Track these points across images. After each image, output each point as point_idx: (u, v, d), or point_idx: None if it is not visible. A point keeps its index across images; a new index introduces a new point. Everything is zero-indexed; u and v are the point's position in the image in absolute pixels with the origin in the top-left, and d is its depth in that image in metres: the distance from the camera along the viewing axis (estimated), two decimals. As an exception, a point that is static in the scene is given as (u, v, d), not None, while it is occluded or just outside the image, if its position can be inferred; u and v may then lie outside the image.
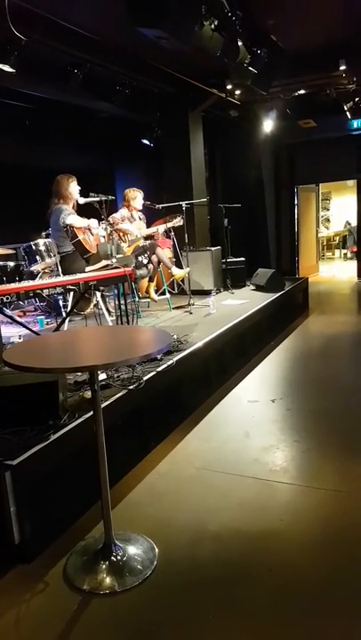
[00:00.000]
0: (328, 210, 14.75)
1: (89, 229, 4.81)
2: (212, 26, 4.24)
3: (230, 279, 6.75)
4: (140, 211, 5.83)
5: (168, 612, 1.87)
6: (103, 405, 2.65)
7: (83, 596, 1.95)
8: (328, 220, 14.71)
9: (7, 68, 4.44)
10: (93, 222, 4.79)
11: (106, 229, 4.68)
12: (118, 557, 2.09)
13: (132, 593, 1.95)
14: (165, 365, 3.42)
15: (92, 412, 2.39)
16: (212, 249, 6.61)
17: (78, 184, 4.83)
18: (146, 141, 7.90)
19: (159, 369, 3.35)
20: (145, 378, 3.15)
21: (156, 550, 2.17)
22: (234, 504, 2.51)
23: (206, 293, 6.12)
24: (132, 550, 2.15)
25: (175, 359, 3.54)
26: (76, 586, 1.99)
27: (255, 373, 4.54)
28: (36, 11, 4.09)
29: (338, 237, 14.25)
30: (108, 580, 2.02)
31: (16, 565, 2.13)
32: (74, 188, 4.73)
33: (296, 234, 10.07)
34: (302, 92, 7.25)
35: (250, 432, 3.31)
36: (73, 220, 4.66)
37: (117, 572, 2.05)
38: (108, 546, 2.11)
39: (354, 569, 2.02)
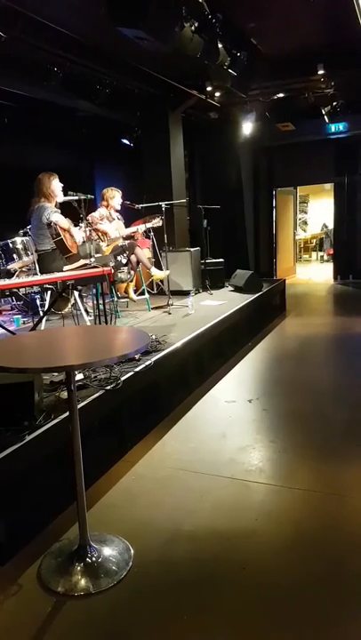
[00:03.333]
0: (306, 213, 14.95)
1: (69, 232, 4.77)
2: (193, 28, 4.26)
3: (209, 280, 6.78)
4: (118, 211, 5.81)
5: (143, 613, 1.87)
6: (80, 406, 2.63)
7: (57, 598, 1.93)
8: (306, 223, 14.90)
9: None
10: (76, 232, 4.76)
11: (85, 229, 4.65)
12: (93, 559, 2.08)
13: (107, 594, 1.95)
14: (143, 366, 3.42)
15: (68, 413, 2.37)
16: (192, 250, 6.64)
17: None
18: (126, 141, 7.88)
19: (137, 369, 3.35)
20: (122, 378, 3.15)
21: (132, 551, 2.16)
22: (209, 504, 2.53)
23: (185, 294, 6.14)
24: (108, 551, 2.14)
25: (153, 359, 3.54)
26: (50, 588, 1.98)
27: (233, 374, 4.57)
28: (16, 8, 4.04)
29: (315, 240, 14.46)
30: (82, 581, 2.01)
31: (-11, 568, 2.11)
32: (56, 185, 4.69)
33: (274, 236, 10.17)
34: (281, 95, 7.34)
35: (227, 432, 3.33)
36: (58, 217, 4.62)
37: (92, 573, 2.04)
38: (83, 547, 2.10)
39: (325, 568, 2.05)
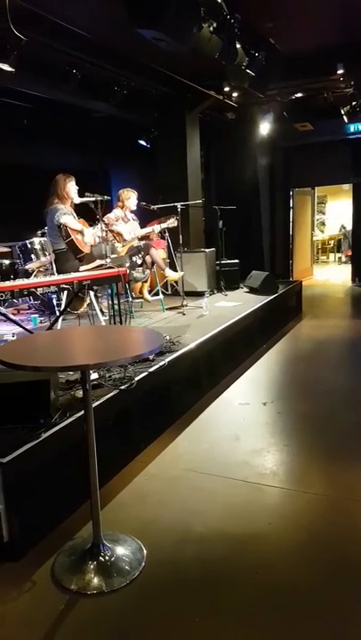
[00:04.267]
0: (324, 213, 14.82)
1: (81, 234, 4.81)
2: (211, 28, 4.26)
3: (224, 281, 6.77)
4: (133, 211, 5.84)
5: (155, 613, 1.87)
6: (94, 405, 2.65)
7: (70, 596, 1.95)
8: (323, 224, 14.77)
9: (7, 68, 4.44)
10: (88, 231, 4.80)
11: (101, 230, 4.68)
12: (106, 558, 2.10)
13: (119, 594, 1.96)
14: (157, 366, 3.43)
15: (83, 412, 2.39)
16: (207, 250, 6.63)
17: (76, 183, 4.83)
18: (143, 142, 7.91)
19: (151, 369, 3.36)
20: (136, 378, 3.16)
21: (145, 551, 2.17)
22: (222, 506, 2.52)
23: (200, 295, 6.13)
24: (121, 551, 2.16)
25: (167, 360, 3.55)
26: (63, 585, 2.00)
27: (247, 376, 4.55)
28: (36, 11, 4.09)
29: (333, 241, 14.32)
30: (95, 580, 2.02)
31: (4, 563, 2.14)
32: (71, 187, 4.73)
33: (291, 237, 10.10)
34: (299, 95, 7.29)
35: (240, 435, 3.32)
36: (67, 219, 4.66)
37: (105, 572, 2.05)
38: (97, 546, 2.11)
39: (338, 573, 2.03)
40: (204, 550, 2.20)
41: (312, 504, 2.52)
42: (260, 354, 5.17)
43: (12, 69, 4.47)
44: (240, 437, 3.28)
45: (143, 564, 2.10)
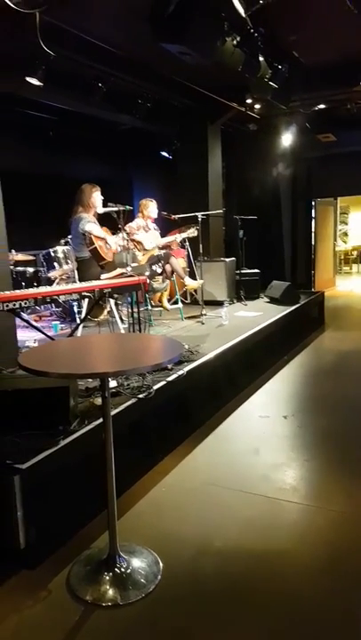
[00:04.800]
0: (346, 224, 14.69)
1: (105, 241, 4.88)
2: (234, 42, 4.28)
3: (244, 291, 6.74)
4: (155, 221, 5.89)
5: (170, 629, 1.84)
6: (112, 413, 2.65)
7: (85, 607, 1.93)
8: (346, 235, 14.64)
9: (35, 82, 4.54)
10: (111, 239, 4.87)
11: (123, 239, 4.73)
12: (122, 569, 2.08)
13: (134, 607, 1.93)
14: (176, 375, 3.41)
15: (101, 420, 2.39)
16: (226, 260, 6.62)
17: (99, 193, 4.91)
18: (165, 153, 7.98)
19: (169, 379, 3.35)
20: (155, 387, 3.15)
21: (161, 564, 2.15)
22: (240, 521, 2.48)
23: (219, 304, 6.11)
24: (137, 563, 2.13)
25: (186, 369, 3.53)
26: (78, 596, 1.98)
27: (267, 388, 4.50)
28: (65, 27, 4.18)
29: (356, 252, 14.17)
30: (110, 592, 2.00)
31: (20, 571, 2.13)
32: (97, 197, 4.81)
33: (313, 247, 10.03)
34: (322, 106, 7.27)
35: (260, 448, 3.28)
36: (92, 227, 4.74)
37: (121, 584, 2.03)
38: (113, 557, 2.10)
39: (357, 594, 1.97)
40: (222, 565, 2.16)
41: (333, 521, 2.46)
42: (280, 365, 5.11)
43: (41, 83, 4.57)
44: (260, 451, 3.24)
45: (159, 577, 2.07)
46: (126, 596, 1.97)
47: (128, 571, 2.08)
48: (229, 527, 2.42)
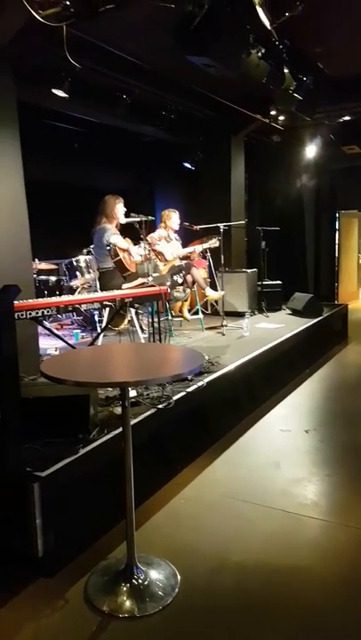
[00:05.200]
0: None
1: (128, 252, 4.92)
2: (259, 54, 4.29)
3: (266, 302, 6.69)
4: (177, 231, 5.92)
5: (187, 642, 1.81)
6: (132, 423, 2.64)
7: (101, 618, 1.92)
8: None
9: (61, 94, 4.63)
10: (133, 250, 4.92)
11: (144, 249, 4.76)
12: (140, 581, 2.06)
13: (151, 619, 1.91)
14: (195, 386, 3.40)
15: (120, 429, 2.39)
16: (248, 271, 6.59)
17: (120, 204, 4.96)
18: (187, 165, 8.02)
19: (189, 389, 3.33)
20: (174, 398, 3.14)
21: (179, 577, 2.12)
22: (260, 535, 2.44)
23: (240, 315, 6.08)
24: (154, 575, 2.11)
25: (206, 380, 3.51)
26: (95, 606, 1.97)
27: (289, 401, 4.44)
28: (91, 40, 4.26)
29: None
30: (128, 603, 1.98)
31: (38, 579, 2.13)
32: (120, 209, 4.87)
33: (336, 259, 9.92)
34: (347, 118, 7.23)
35: (280, 462, 3.22)
36: (117, 239, 4.80)
37: (138, 595, 2.01)
38: (130, 568, 2.08)
39: (385, 614, 1.91)
40: (241, 580, 2.12)
41: (353, 537, 2.40)
42: (302, 379, 5.04)
43: (66, 95, 4.66)
44: (280, 465, 3.19)
45: (177, 590, 2.05)
46: (143, 607, 1.95)
47: (146, 582, 2.06)
48: (248, 541, 2.38)
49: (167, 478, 2.98)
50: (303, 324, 5.75)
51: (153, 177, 8.99)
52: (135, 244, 5.09)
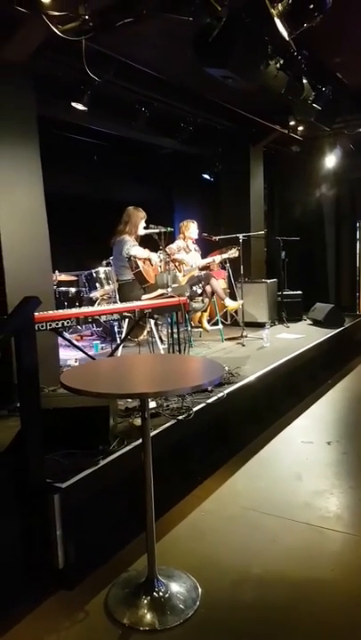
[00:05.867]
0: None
1: (149, 260, 4.95)
2: (278, 65, 4.31)
3: (286, 312, 6.63)
4: (196, 242, 5.93)
5: (209, 658, 1.78)
6: (152, 434, 2.63)
7: (122, 631, 1.90)
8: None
9: (80, 107, 4.72)
10: (153, 256, 4.95)
11: (163, 259, 4.78)
12: (160, 594, 2.04)
13: (172, 633, 1.88)
14: (216, 397, 3.38)
15: (140, 440, 2.38)
16: (268, 281, 6.56)
17: (139, 215, 5.01)
18: (206, 176, 8.07)
19: (209, 401, 3.31)
20: (194, 409, 3.12)
21: (200, 590, 2.09)
22: (281, 549, 2.40)
23: (260, 326, 6.04)
24: (175, 588, 2.08)
25: (226, 392, 3.49)
26: (116, 618, 1.95)
27: (310, 413, 4.37)
28: (109, 53, 4.33)
29: None
30: (148, 616, 1.96)
31: (58, 591, 2.12)
32: (141, 222, 4.92)
33: (358, 269, 9.79)
34: (366, 127, 7.18)
35: (302, 474, 3.17)
36: (137, 251, 4.85)
37: (159, 608, 1.99)
38: (151, 580, 2.06)
39: None
40: (263, 593, 2.08)
41: (381, 554, 2.33)
42: (324, 390, 4.97)
43: (86, 108, 4.74)
44: (302, 477, 3.13)
45: (198, 603, 2.02)
46: (164, 621, 1.93)
47: (167, 595, 2.03)
48: (270, 554, 2.34)
49: (187, 490, 2.96)
50: (324, 334, 5.68)
51: (172, 188, 9.06)
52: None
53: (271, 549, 2.39)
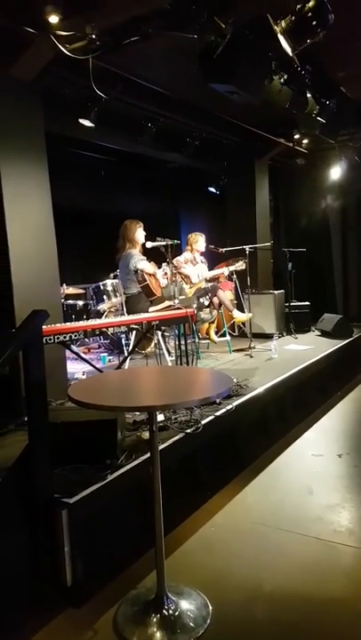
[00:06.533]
0: None
1: (154, 275, 4.98)
2: (282, 80, 4.34)
3: (294, 324, 6.61)
4: (202, 254, 5.96)
5: None
6: (160, 448, 2.61)
7: (131, 650, 1.86)
8: None
9: (87, 123, 4.78)
10: (158, 272, 4.97)
11: (170, 271, 4.80)
12: (170, 611, 2.00)
13: (182, 652, 1.84)
14: (224, 410, 3.35)
15: (148, 454, 2.36)
16: (275, 292, 6.55)
17: (146, 229, 5.04)
18: (212, 189, 8.12)
19: (217, 413, 3.28)
20: (203, 422, 3.09)
21: (210, 607, 2.05)
22: (293, 564, 2.35)
23: (268, 337, 6.01)
24: (185, 605, 2.05)
25: (235, 404, 3.46)
26: (125, 637, 1.92)
27: (320, 425, 4.33)
28: (116, 71, 4.40)
29: None
30: (158, 634, 1.92)
31: (66, 609, 2.09)
32: (140, 233, 4.95)
33: (365, 279, 9.75)
34: (371, 139, 7.21)
35: (313, 488, 3.12)
36: (144, 265, 4.87)
37: (169, 627, 1.95)
38: (160, 598, 2.02)
39: None
40: (274, 611, 2.04)
41: (395, 570, 2.28)
42: (333, 402, 4.92)
43: (93, 125, 4.81)
44: (313, 491, 3.09)
45: (208, 621, 1.98)
46: (174, 639, 1.89)
47: (176, 613, 2.00)
48: (281, 570, 2.30)
49: (197, 505, 2.92)
50: (333, 345, 5.65)
51: (178, 202, 9.12)
52: (159, 267, 5.14)
53: (283, 565, 2.34)
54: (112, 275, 6.07)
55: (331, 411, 4.66)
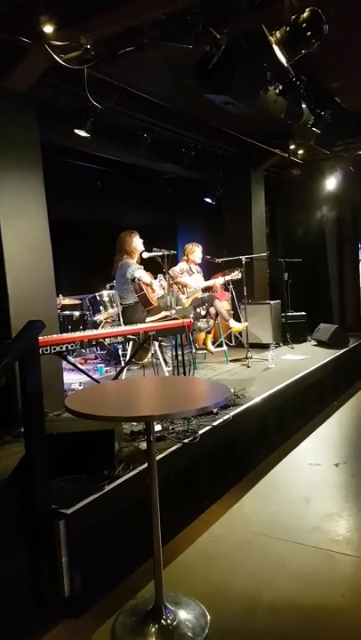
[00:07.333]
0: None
1: (150, 286, 4.99)
2: (277, 90, 4.39)
3: (290, 334, 6.62)
4: (198, 264, 5.98)
5: None
6: (158, 458, 2.60)
7: (129, 662, 1.84)
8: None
9: (83, 133, 4.81)
10: (154, 283, 4.99)
11: (167, 281, 4.81)
12: (168, 621, 1.99)
13: (180, 664, 1.83)
14: (221, 420, 3.35)
15: (146, 465, 2.35)
16: (272, 302, 6.56)
17: (143, 239, 5.05)
18: (208, 200, 8.17)
19: (215, 423, 3.28)
20: (200, 432, 3.09)
21: (208, 617, 2.04)
22: (291, 574, 2.34)
23: (265, 347, 6.02)
24: (183, 615, 2.03)
25: (232, 414, 3.46)
26: (123, 649, 1.90)
27: (317, 434, 4.32)
28: (111, 81, 4.44)
29: None
30: (156, 645, 1.91)
31: (64, 619, 2.08)
32: (137, 242, 4.97)
33: (361, 289, 9.80)
34: (366, 150, 7.28)
35: (311, 497, 3.12)
36: (141, 274, 4.88)
37: (167, 636, 1.94)
38: (159, 608, 2.01)
39: None
40: (273, 621, 2.03)
41: (394, 580, 2.27)
42: (330, 411, 4.92)
43: (88, 135, 4.84)
44: (311, 500, 3.08)
45: (207, 631, 1.97)
46: (173, 651, 1.87)
47: (175, 623, 1.98)
48: (280, 580, 2.29)
49: (195, 515, 2.91)
50: (330, 355, 5.66)
51: (175, 212, 9.17)
52: (155, 278, 5.16)
53: (281, 575, 2.33)
54: (108, 285, 6.08)
55: (328, 420, 4.67)
